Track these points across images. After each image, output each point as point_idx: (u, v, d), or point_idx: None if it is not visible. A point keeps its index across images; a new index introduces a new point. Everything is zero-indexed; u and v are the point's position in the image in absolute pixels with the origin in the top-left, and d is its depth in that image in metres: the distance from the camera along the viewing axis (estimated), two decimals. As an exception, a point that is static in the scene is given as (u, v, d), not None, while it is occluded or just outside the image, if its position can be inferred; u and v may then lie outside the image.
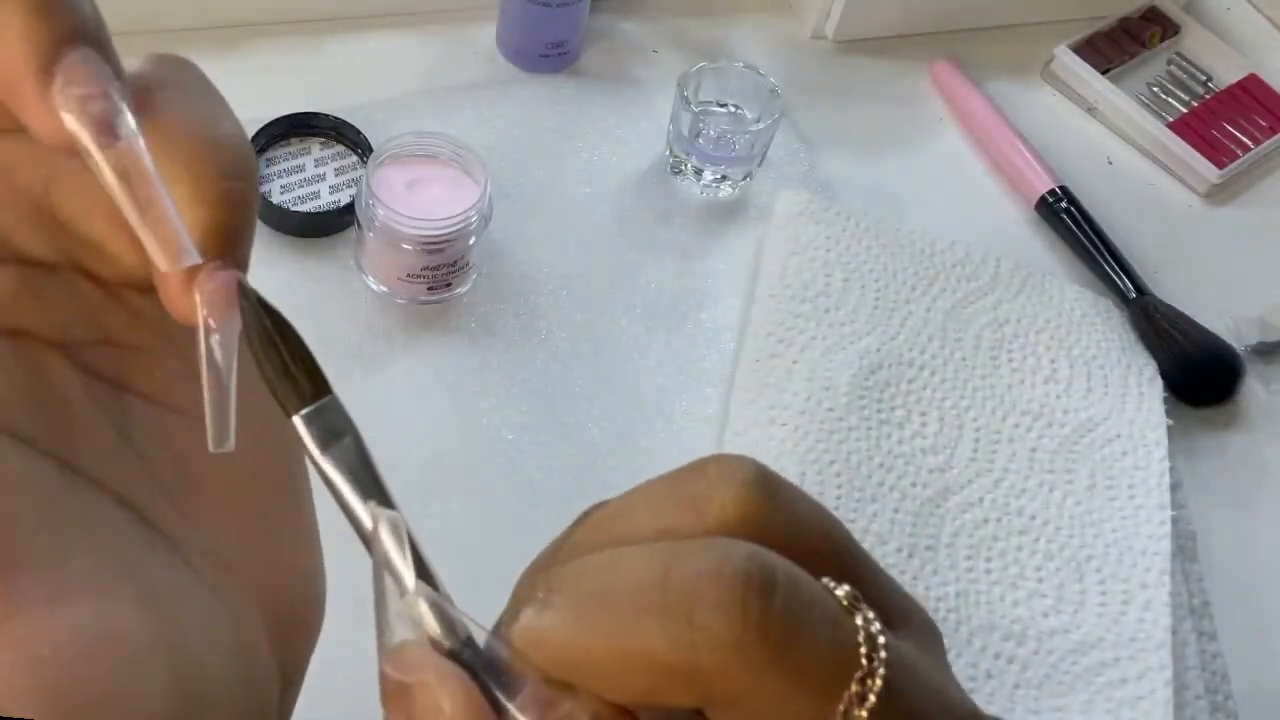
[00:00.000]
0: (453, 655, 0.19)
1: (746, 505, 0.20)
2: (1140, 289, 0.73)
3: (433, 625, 0.19)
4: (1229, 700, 0.59)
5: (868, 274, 0.69)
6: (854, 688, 0.18)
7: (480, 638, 0.20)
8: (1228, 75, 0.87)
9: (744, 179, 0.74)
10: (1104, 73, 0.85)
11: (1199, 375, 0.71)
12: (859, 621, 0.19)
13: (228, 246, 0.21)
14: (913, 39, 0.87)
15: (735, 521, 0.20)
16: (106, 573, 0.21)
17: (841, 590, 0.20)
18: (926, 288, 0.70)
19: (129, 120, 0.20)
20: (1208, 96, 0.86)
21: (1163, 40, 0.89)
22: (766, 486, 0.20)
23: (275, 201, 0.66)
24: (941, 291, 0.70)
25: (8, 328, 0.21)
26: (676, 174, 0.75)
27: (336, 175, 0.69)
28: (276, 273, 0.65)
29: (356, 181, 0.67)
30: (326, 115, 0.69)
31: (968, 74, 0.84)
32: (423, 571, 0.20)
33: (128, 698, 0.19)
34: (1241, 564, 0.66)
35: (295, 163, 0.69)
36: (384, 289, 0.65)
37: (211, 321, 0.21)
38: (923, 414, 0.64)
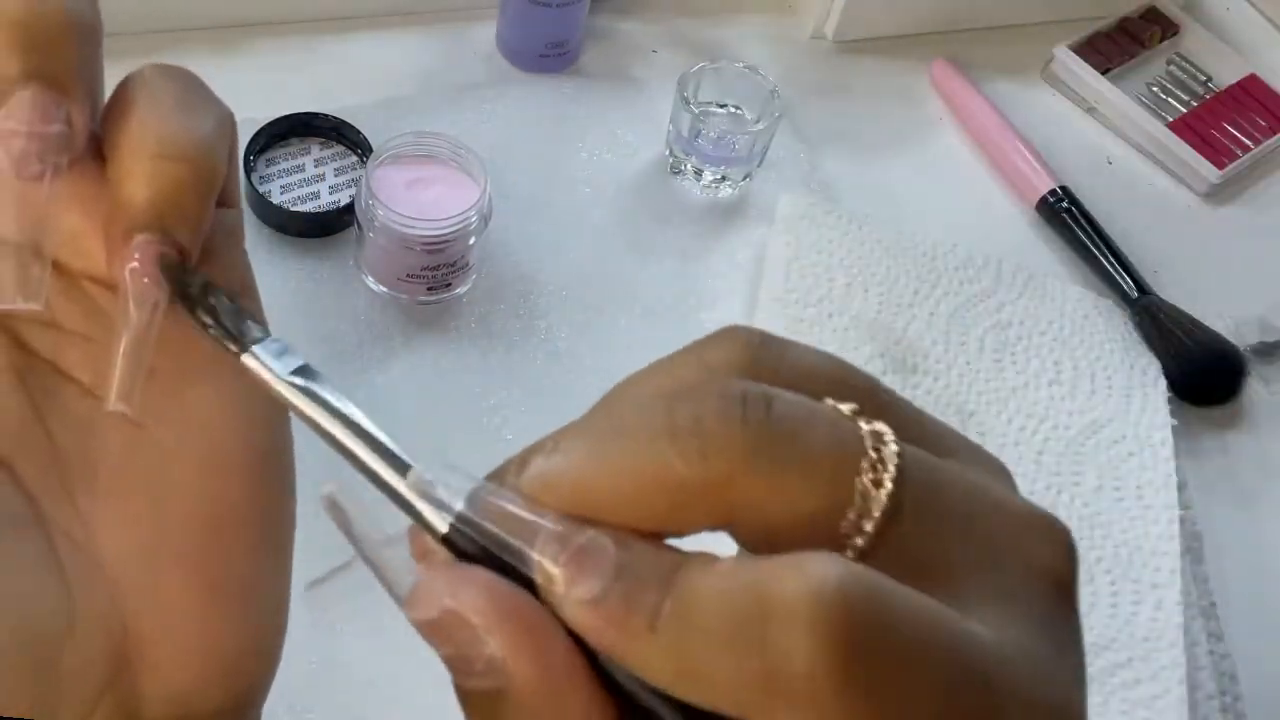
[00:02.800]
0: (451, 541, 0.19)
1: (750, 353, 0.20)
2: (1143, 289, 0.73)
3: (427, 510, 0.19)
4: (1238, 701, 0.59)
5: (870, 278, 0.69)
6: (868, 476, 0.18)
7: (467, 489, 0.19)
8: (1227, 75, 0.87)
9: (744, 179, 0.74)
10: (1104, 73, 0.85)
11: (1203, 375, 0.71)
12: (862, 424, 0.19)
13: (153, 220, 0.23)
14: (913, 39, 0.87)
15: (739, 371, 0.20)
16: None
17: (846, 406, 0.19)
18: (929, 291, 0.70)
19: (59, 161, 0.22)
20: (1207, 96, 0.86)
21: (1163, 40, 0.89)
22: (771, 340, 0.21)
23: (275, 202, 0.66)
24: (944, 295, 0.70)
25: None
26: (676, 174, 0.75)
27: (336, 175, 0.69)
28: (277, 273, 0.65)
29: (356, 181, 0.67)
30: (326, 115, 0.69)
31: (968, 74, 0.84)
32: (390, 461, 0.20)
33: None
34: (1246, 563, 0.66)
35: (295, 163, 0.69)
36: (384, 289, 0.65)
37: (130, 287, 0.23)
38: (926, 417, 0.64)
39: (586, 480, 0.19)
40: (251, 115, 0.66)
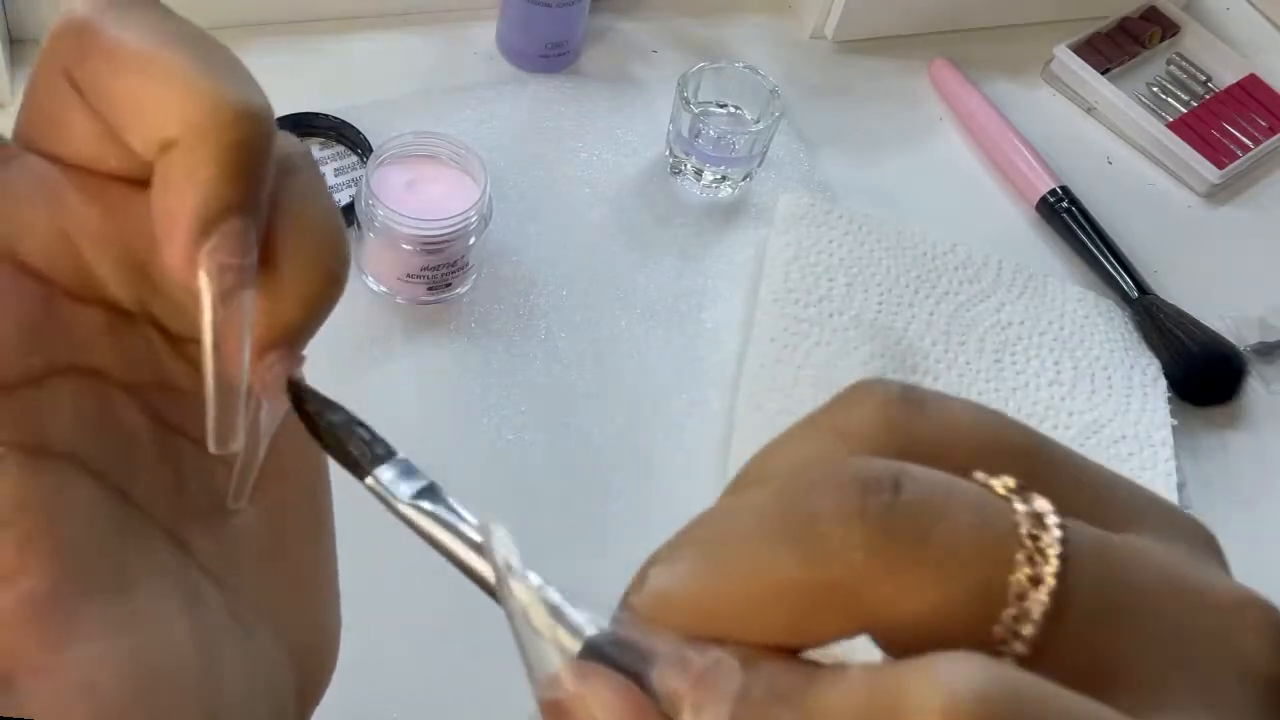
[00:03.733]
0: (590, 655, 0.18)
1: (886, 414, 0.18)
2: (1143, 289, 0.73)
3: (565, 638, 0.19)
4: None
5: (870, 278, 0.69)
6: (1024, 571, 0.16)
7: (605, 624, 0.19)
8: (1227, 75, 0.87)
9: (744, 179, 0.74)
10: (1104, 73, 0.85)
11: (1203, 374, 0.71)
12: (1017, 504, 0.16)
13: (298, 340, 0.22)
14: (912, 39, 0.87)
15: (876, 437, 0.18)
16: (163, 607, 0.21)
17: (1000, 481, 0.17)
18: (930, 291, 0.70)
19: (249, 295, 0.21)
20: (1207, 96, 0.86)
21: (1163, 40, 0.89)
22: (911, 397, 0.18)
23: (275, 202, 0.66)
24: (945, 295, 0.70)
25: (88, 366, 0.22)
26: (676, 174, 0.75)
27: (336, 175, 0.69)
28: (276, 273, 0.65)
29: (356, 181, 0.67)
30: (326, 115, 0.69)
31: (967, 74, 0.84)
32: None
33: None
34: (1246, 563, 0.65)
35: (295, 163, 0.69)
36: (384, 289, 0.65)
37: (264, 401, 0.22)
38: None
39: (704, 595, 0.17)
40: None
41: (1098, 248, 0.76)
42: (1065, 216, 0.77)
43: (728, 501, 0.18)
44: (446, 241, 0.62)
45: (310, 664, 0.26)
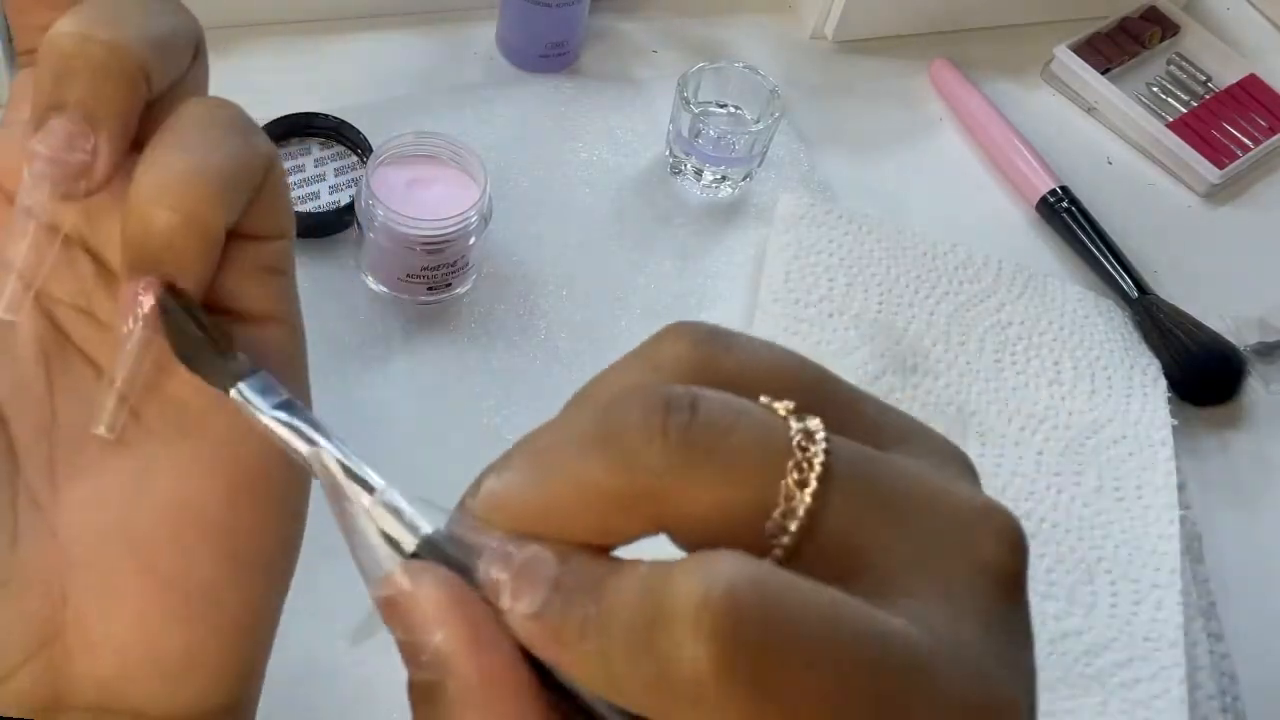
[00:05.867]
0: (426, 552, 0.20)
1: (697, 351, 0.20)
2: (1142, 288, 0.73)
3: (396, 529, 0.21)
4: (1238, 701, 0.59)
5: (870, 278, 0.69)
6: (793, 476, 0.18)
7: (441, 520, 0.21)
8: (1227, 75, 0.87)
9: (744, 179, 0.74)
10: (1104, 73, 0.85)
11: (1203, 374, 0.71)
12: (793, 422, 0.19)
13: (143, 266, 0.24)
14: (912, 39, 0.87)
15: (687, 369, 0.20)
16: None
17: (782, 405, 0.19)
18: (930, 291, 0.70)
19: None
20: (1207, 97, 0.86)
21: (1162, 40, 0.89)
22: (718, 335, 0.21)
23: (275, 202, 0.66)
24: (945, 295, 0.70)
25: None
26: (676, 174, 0.75)
27: (336, 175, 0.69)
28: (276, 273, 0.65)
29: (356, 182, 0.67)
30: (326, 115, 0.69)
31: (967, 74, 0.84)
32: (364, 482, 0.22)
33: None
34: (1246, 563, 0.66)
35: (295, 163, 0.69)
36: (384, 289, 0.65)
37: (129, 324, 0.25)
38: (928, 419, 0.64)
39: (528, 497, 0.19)
40: (251, 115, 0.66)
41: (1097, 248, 0.76)
42: (1065, 216, 0.77)
43: (555, 420, 0.21)
44: (446, 241, 0.62)
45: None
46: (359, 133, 0.69)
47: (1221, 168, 0.81)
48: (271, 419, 0.23)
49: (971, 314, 0.70)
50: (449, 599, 0.19)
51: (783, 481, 0.18)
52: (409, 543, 0.21)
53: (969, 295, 0.70)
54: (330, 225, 0.67)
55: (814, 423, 0.19)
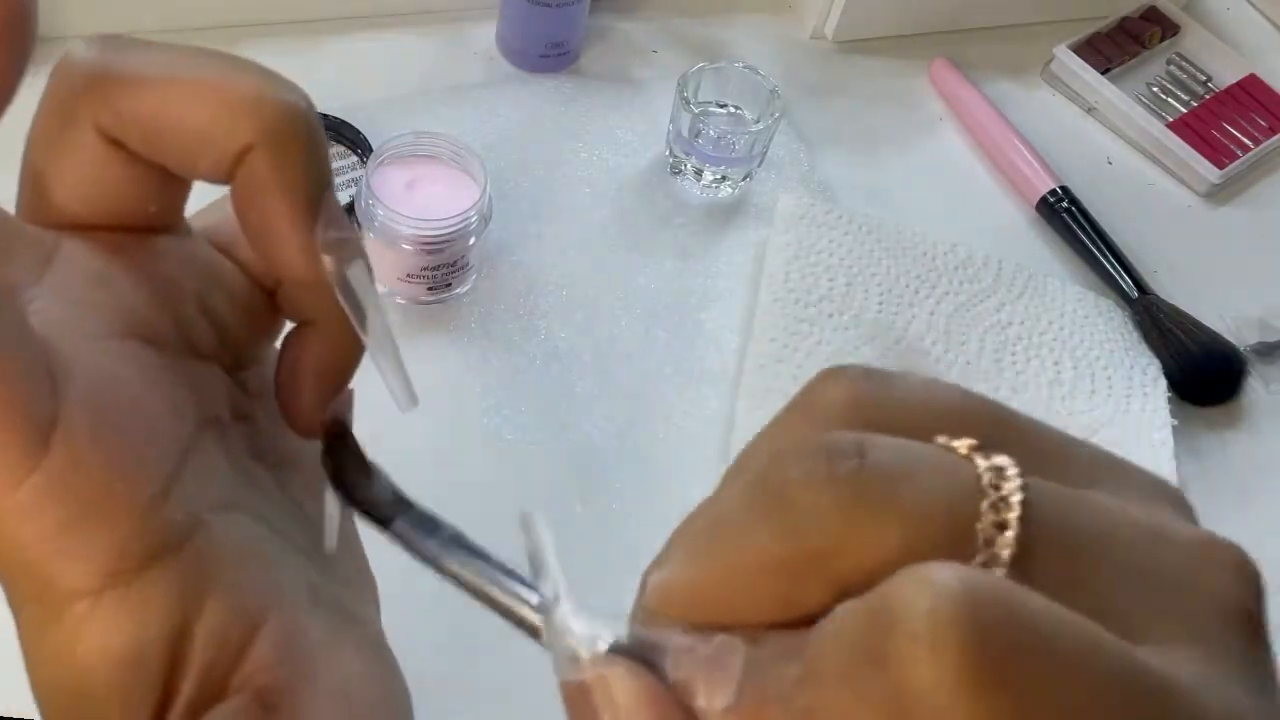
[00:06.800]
0: (615, 651, 0.19)
1: (854, 394, 0.18)
2: (1143, 289, 0.73)
3: (585, 639, 0.19)
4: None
5: (870, 278, 0.69)
6: (989, 519, 0.16)
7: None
8: (1227, 75, 0.87)
9: (744, 179, 0.74)
10: (1104, 73, 0.85)
11: (1203, 374, 0.71)
12: (978, 460, 0.17)
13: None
14: (912, 39, 0.87)
15: (847, 415, 0.18)
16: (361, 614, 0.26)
17: (961, 443, 0.17)
18: (930, 291, 0.70)
19: (361, 265, 0.23)
20: (1207, 96, 0.86)
21: (1162, 40, 0.89)
22: (875, 374, 0.19)
23: (275, 202, 0.66)
24: (945, 294, 0.70)
25: (213, 416, 0.24)
26: (676, 174, 0.75)
27: (336, 175, 0.69)
28: (276, 273, 0.65)
29: (356, 181, 0.67)
30: (326, 115, 0.69)
31: (967, 74, 0.84)
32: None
33: None
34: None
35: (295, 163, 0.69)
36: (384, 289, 0.65)
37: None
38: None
39: (697, 584, 0.18)
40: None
41: (1097, 248, 0.76)
42: (1065, 216, 0.77)
43: (711, 496, 0.19)
44: (446, 241, 0.62)
45: None
46: (359, 133, 0.69)
47: (1221, 168, 0.81)
48: (434, 554, 0.24)
49: (971, 314, 0.70)
50: (645, 692, 0.17)
51: (977, 525, 0.16)
52: (602, 642, 0.19)
53: (969, 295, 0.70)
54: (330, 225, 0.67)
55: (1002, 459, 0.17)
